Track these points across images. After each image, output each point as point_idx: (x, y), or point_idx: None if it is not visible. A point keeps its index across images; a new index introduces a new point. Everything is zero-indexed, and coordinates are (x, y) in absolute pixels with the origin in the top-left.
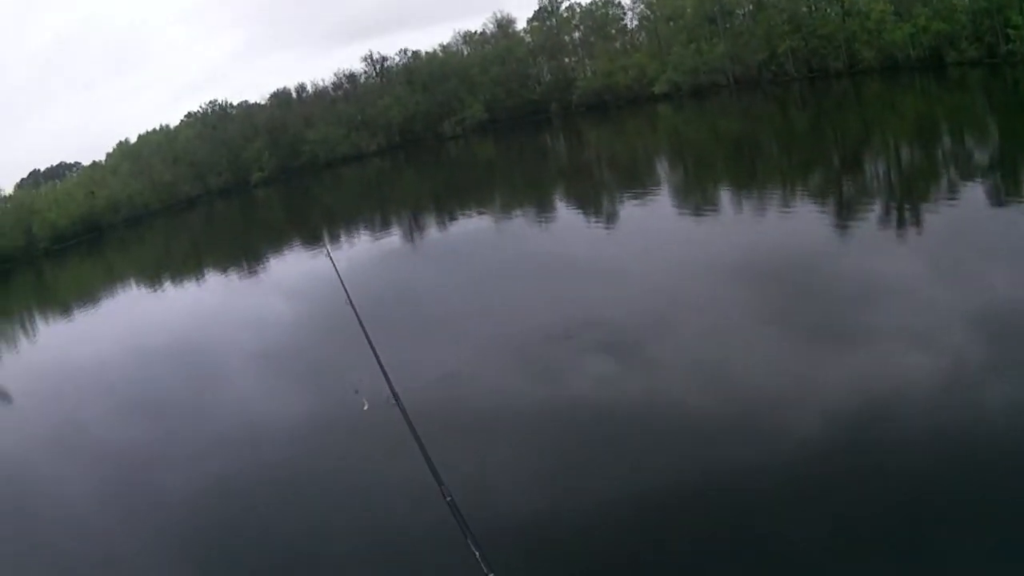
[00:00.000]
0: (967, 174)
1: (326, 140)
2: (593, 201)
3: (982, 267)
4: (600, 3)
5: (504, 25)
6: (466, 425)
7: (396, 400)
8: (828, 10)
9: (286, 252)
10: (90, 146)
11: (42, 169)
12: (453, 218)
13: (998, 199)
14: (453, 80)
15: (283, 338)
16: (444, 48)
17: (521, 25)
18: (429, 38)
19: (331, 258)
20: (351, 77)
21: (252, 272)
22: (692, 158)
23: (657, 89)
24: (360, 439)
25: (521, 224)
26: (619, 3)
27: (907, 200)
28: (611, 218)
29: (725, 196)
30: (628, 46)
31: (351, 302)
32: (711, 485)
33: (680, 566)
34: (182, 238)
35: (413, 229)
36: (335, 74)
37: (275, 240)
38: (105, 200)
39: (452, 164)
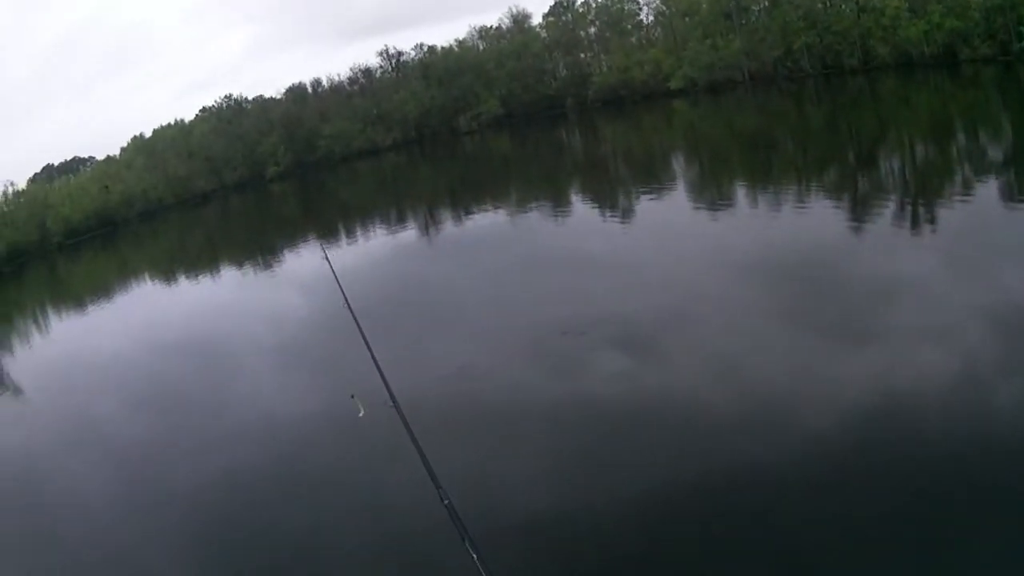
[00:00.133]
0: (982, 171)
1: (342, 135)
2: (609, 196)
3: (997, 264)
4: None
5: (520, 20)
6: (469, 426)
7: (394, 402)
8: (843, 6)
9: (300, 248)
10: (103, 141)
11: (55, 163)
12: (468, 213)
13: (1012, 196)
14: (469, 75)
15: (285, 337)
16: (460, 43)
17: (537, 20)
18: (445, 33)
19: (328, 260)
20: (367, 72)
21: (264, 268)
22: (708, 154)
23: (673, 85)
24: (358, 442)
25: (536, 219)
26: None
27: (922, 197)
28: (626, 213)
29: (740, 192)
30: (644, 41)
31: (348, 305)
32: (717, 484)
33: (680, 567)
34: (196, 233)
35: (428, 224)
36: (351, 69)
37: (289, 235)
38: (119, 195)
39: (468, 159)
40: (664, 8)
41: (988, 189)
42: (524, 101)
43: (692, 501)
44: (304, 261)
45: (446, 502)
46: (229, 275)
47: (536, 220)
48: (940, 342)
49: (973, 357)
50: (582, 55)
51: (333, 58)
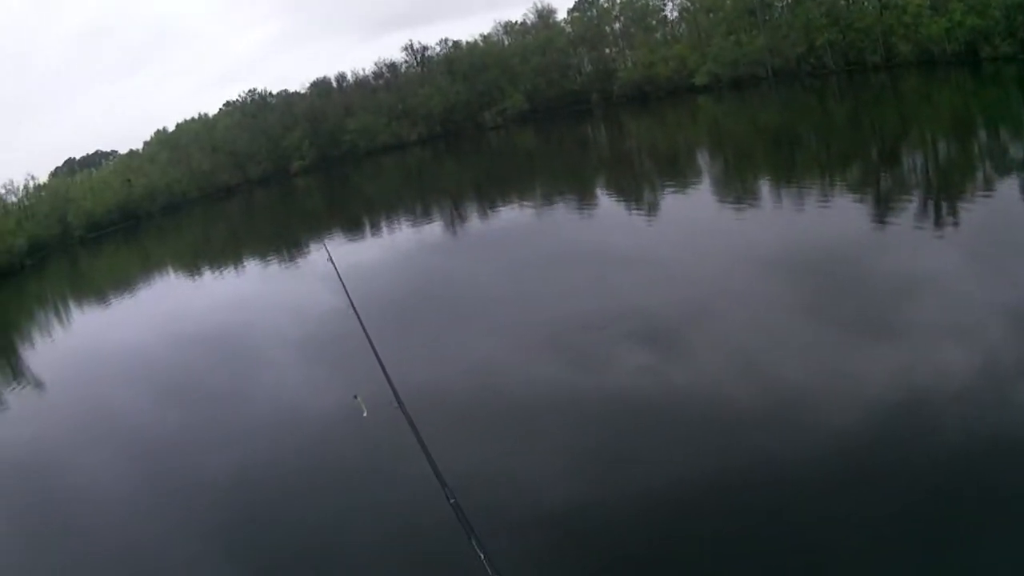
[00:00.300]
0: (1003, 169)
1: (366, 129)
2: (633, 191)
3: (1018, 262)
4: None
5: (545, 15)
6: (480, 423)
7: (399, 403)
8: (865, 3)
9: (320, 243)
10: (125, 134)
11: (77, 157)
12: (493, 208)
13: None
14: (494, 70)
15: (299, 335)
16: (485, 38)
17: (561, 15)
18: (469, 28)
19: (333, 262)
20: (392, 66)
21: (286, 263)
22: (732, 150)
23: (697, 80)
24: (365, 441)
25: (561, 214)
26: None
27: (944, 194)
28: (651, 208)
29: (764, 188)
30: (668, 37)
31: (353, 306)
32: (733, 482)
33: (693, 566)
34: (220, 227)
35: (453, 219)
36: (375, 63)
37: (313, 229)
38: (142, 188)
39: (493, 154)
40: (688, 4)
41: (1009, 187)
42: (549, 96)
43: (707, 498)
44: (322, 257)
45: (452, 501)
46: (251, 270)
47: (561, 215)
48: (960, 340)
49: (992, 356)
50: (607, 50)
51: (357, 53)
